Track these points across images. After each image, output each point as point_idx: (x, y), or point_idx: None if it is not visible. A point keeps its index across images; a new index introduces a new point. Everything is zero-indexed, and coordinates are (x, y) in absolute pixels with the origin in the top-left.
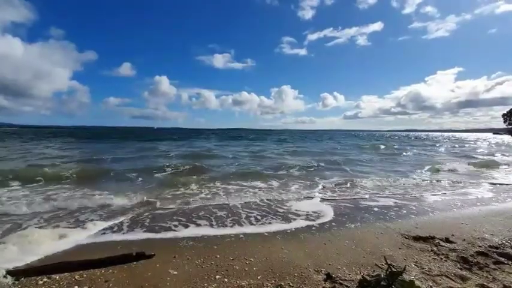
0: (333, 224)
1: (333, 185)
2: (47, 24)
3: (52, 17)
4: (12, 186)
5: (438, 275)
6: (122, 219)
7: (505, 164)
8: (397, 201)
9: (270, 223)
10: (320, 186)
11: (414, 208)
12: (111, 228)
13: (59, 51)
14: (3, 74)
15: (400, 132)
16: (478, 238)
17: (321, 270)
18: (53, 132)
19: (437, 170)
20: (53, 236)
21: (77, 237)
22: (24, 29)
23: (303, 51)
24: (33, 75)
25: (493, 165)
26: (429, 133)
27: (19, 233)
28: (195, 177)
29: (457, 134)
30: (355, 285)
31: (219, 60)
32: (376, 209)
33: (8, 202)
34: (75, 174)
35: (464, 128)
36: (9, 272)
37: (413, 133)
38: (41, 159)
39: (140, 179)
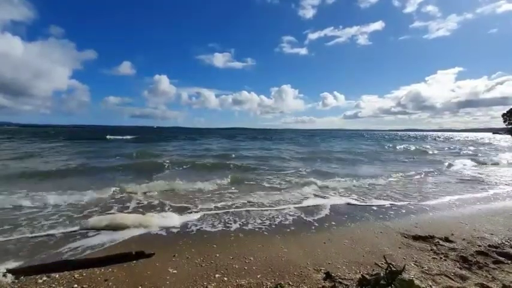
0: (333, 223)
1: None
2: (46, 23)
3: (51, 15)
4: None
5: (438, 274)
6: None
7: None
8: None
9: None
10: None
11: (413, 207)
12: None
13: (58, 50)
14: (3, 72)
15: (402, 132)
16: (478, 237)
17: (321, 269)
18: (54, 131)
19: None
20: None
21: (181, 217)
22: (23, 27)
23: (303, 51)
24: (32, 74)
25: None
26: (430, 133)
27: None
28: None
29: (469, 134)
30: (355, 284)
31: (219, 60)
32: (375, 209)
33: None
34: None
35: (463, 128)
36: (9, 271)
37: (418, 133)
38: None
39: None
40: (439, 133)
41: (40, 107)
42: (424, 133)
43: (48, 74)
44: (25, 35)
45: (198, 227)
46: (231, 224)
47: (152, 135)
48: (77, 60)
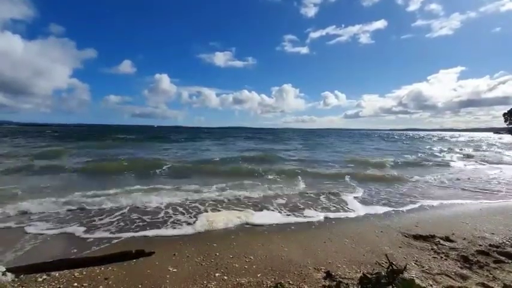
0: (333, 222)
1: None
2: (46, 21)
3: (52, 14)
4: None
5: (438, 274)
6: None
7: None
8: None
9: None
10: None
11: (414, 207)
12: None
13: (58, 49)
14: (3, 71)
15: (407, 132)
16: (479, 237)
17: (321, 269)
18: (53, 130)
19: None
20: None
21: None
22: (23, 25)
23: (304, 50)
24: (33, 73)
25: None
26: (434, 132)
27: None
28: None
29: (476, 134)
30: (355, 283)
31: (220, 59)
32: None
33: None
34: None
35: (464, 128)
36: (9, 269)
37: (423, 133)
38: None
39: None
40: (444, 133)
41: (40, 106)
42: (431, 133)
43: (49, 73)
44: (25, 33)
45: None
46: None
47: (170, 134)
48: (77, 59)
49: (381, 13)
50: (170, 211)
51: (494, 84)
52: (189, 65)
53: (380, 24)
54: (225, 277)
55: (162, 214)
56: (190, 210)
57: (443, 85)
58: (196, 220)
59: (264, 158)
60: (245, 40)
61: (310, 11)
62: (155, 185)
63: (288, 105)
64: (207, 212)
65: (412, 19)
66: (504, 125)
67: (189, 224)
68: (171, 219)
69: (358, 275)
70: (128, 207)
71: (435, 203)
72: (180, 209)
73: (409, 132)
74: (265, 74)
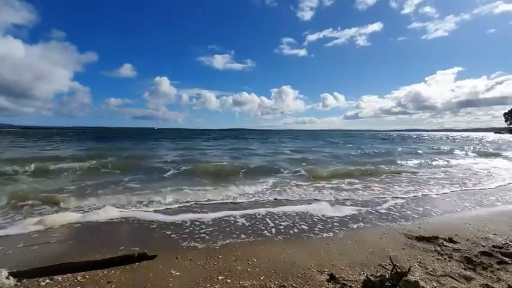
0: (336, 224)
1: None
2: (48, 26)
3: (53, 18)
4: None
5: (442, 276)
6: None
7: None
8: None
9: None
10: None
11: (417, 208)
12: None
13: (60, 53)
14: (5, 75)
15: (411, 133)
16: (482, 238)
17: (324, 271)
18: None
19: None
20: None
21: None
22: (25, 30)
23: (302, 52)
24: (34, 76)
25: None
26: (432, 133)
27: None
28: None
29: (478, 134)
30: (359, 286)
31: (219, 61)
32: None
33: None
34: None
35: (465, 128)
36: (12, 273)
37: (422, 133)
38: None
39: None
40: (445, 133)
41: (41, 109)
42: (432, 133)
43: (50, 76)
44: (27, 38)
45: None
46: None
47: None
48: (78, 63)
49: (376, 16)
50: None
51: (491, 85)
52: (189, 68)
53: (376, 27)
54: (228, 280)
55: None
56: None
57: (441, 86)
58: None
59: None
60: (243, 43)
61: (307, 15)
62: None
63: (287, 107)
64: None
65: (408, 22)
66: (505, 125)
67: None
68: None
69: (362, 277)
70: None
71: (437, 203)
72: None
73: (411, 132)
74: (264, 76)
